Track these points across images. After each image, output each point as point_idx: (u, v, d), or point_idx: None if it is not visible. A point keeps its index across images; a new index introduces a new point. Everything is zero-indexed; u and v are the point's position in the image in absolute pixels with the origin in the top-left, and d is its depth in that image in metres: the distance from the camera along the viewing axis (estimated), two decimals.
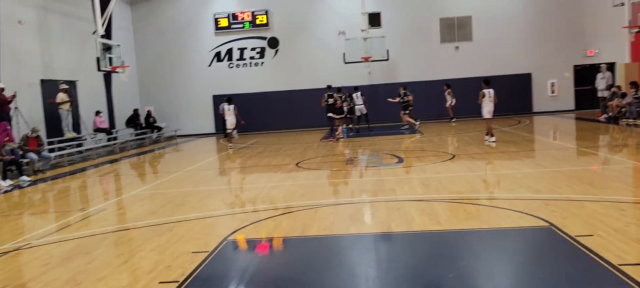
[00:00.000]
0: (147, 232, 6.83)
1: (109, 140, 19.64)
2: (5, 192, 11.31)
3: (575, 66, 23.66)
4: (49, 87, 18.07)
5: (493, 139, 14.20)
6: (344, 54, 22.60)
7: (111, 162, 16.63)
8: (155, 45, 25.10)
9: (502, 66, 23.28)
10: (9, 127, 13.77)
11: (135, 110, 22.85)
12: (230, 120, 17.32)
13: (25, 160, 13.22)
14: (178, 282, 4.65)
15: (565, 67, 23.65)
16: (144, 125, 22.73)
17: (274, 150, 16.81)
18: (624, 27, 17.69)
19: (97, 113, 19.55)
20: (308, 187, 9.67)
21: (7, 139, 13.19)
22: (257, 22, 24.96)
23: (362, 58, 22.22)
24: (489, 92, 13.92)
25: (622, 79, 19.40)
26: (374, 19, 22.18)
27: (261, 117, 24.39)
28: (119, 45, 18.94)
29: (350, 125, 21.07)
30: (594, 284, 4.25)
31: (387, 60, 22.52)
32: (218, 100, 24.13)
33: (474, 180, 9.18)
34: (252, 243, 6.04)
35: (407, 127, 20.09)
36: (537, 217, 6.09)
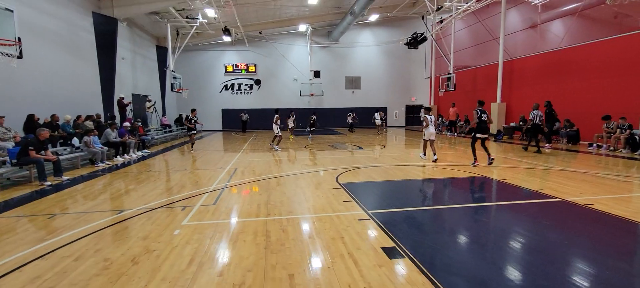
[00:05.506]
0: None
1: (170, 132, 37.61)
2: (137, 161, 18.07)
3: (407, 105, 48.14)
4: (135, 99, 35.66)
5: (424, 156, 16.49)
6: (299, 91, 43.66)
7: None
8: (190, 78, 43.26)
9: (375, 102, 46.59)
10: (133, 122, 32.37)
11: (181, 114, 40.86)
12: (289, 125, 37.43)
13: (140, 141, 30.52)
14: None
15: (402, 104, 48.03)
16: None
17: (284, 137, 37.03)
18: (438, 88, 41.75)
19: (163, 115, 37.49)
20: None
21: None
22: (249, 69, 44.76)
23: (310, 94, 43.52)
24: (431, 118, 15.54)
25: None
26: (317, 74, 43.75)
27: (250, 123, 44.22)
28: (180, 77, 37.62)
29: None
30: None
31: (322, 95, 44.18)
32: (226, 112, 43.41)
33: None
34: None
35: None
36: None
